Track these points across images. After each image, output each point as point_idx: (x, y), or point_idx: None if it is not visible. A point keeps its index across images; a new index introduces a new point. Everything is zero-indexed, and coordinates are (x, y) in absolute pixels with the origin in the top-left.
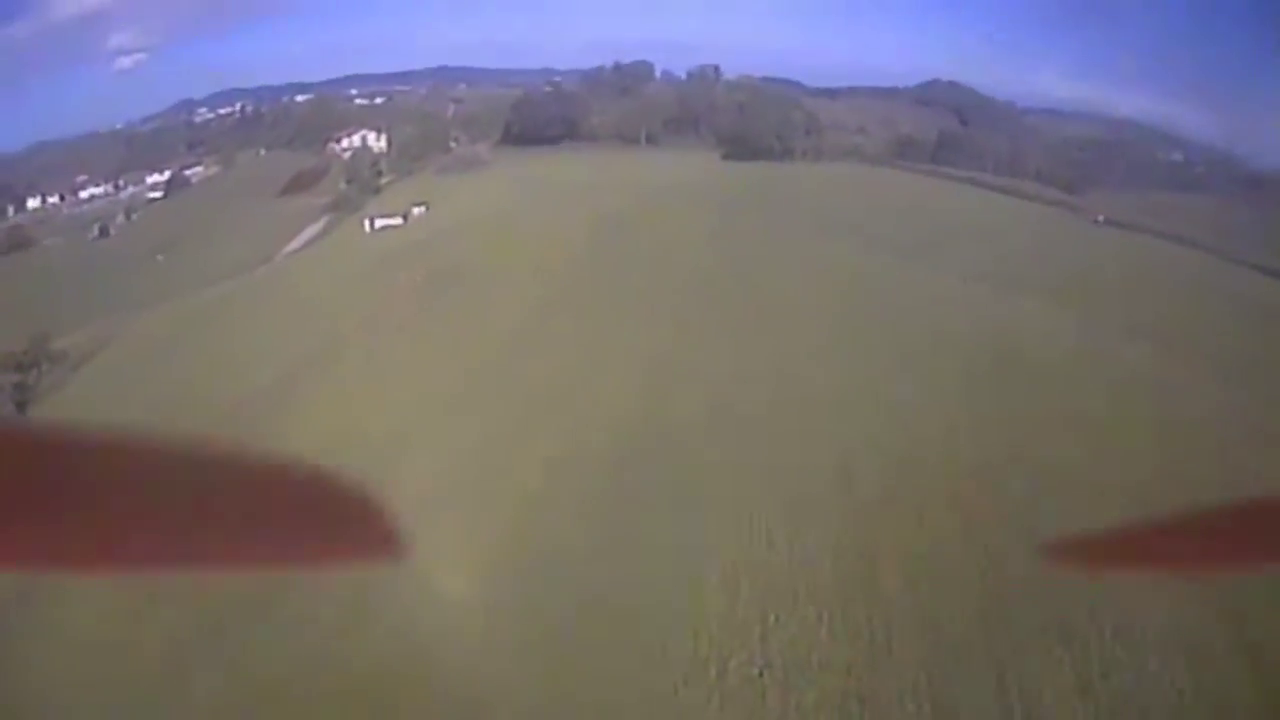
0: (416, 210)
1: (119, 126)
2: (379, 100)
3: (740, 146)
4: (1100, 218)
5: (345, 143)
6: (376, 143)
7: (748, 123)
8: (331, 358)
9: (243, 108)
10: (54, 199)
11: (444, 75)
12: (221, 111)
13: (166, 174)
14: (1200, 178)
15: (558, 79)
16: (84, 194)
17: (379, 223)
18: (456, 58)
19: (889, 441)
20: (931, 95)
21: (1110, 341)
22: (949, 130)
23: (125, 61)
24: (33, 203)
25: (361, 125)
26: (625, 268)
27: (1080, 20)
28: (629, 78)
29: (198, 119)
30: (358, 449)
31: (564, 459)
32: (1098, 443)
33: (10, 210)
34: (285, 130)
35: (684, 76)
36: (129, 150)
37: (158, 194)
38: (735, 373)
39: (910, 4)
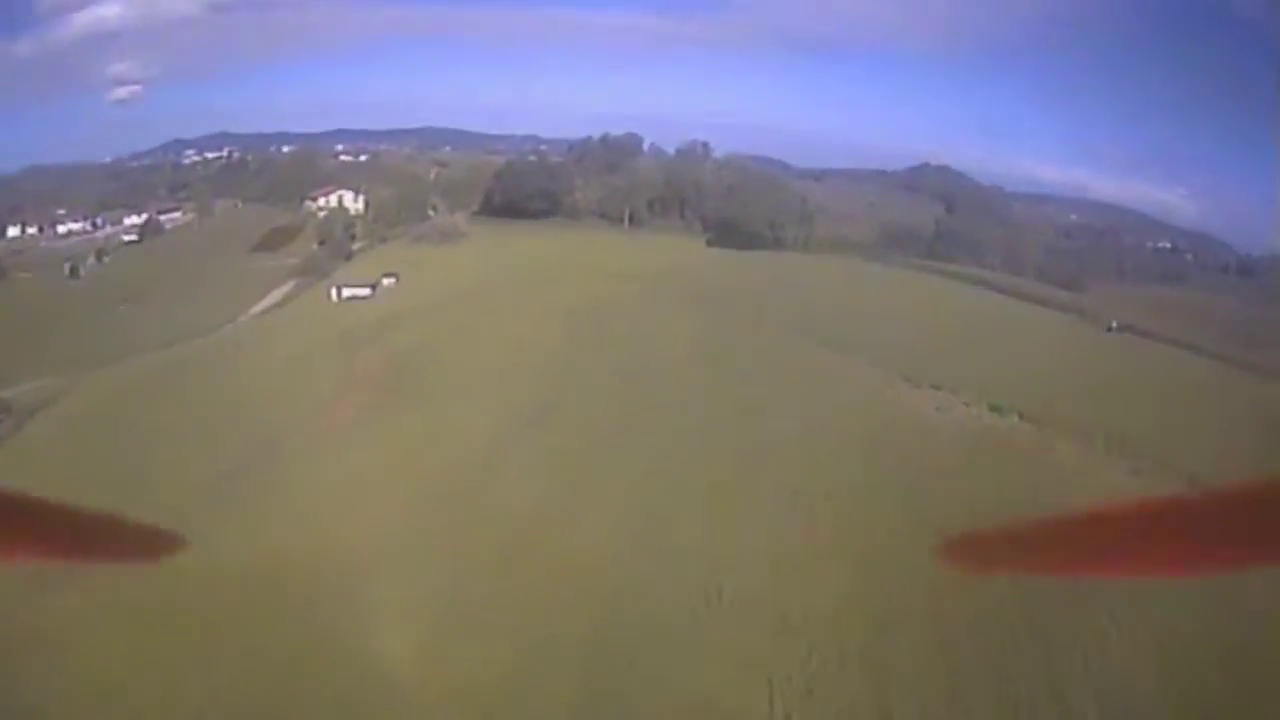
0: (386, 281)
1: (109, 160)
2: (363, 158)
3: (728, 232)
4: (1114, 324)
5: (322, 201)
6: (354, 204)
7: (736, 207)
8: (270, 457)
9: (230, 153)
10: (33, 229)
11: (429, 136)
12: (209, 155)
13: (144, 216)
14: (1190, 266)
15: (543, 147)
16: (62, 229)
17: (346, 292)
18: (442, 119)
19: None
20: (920, 179)
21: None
22: (944, 221)
23: (121, 92)
24: (13, 231)
25: (341, 184)
26: (600, 370)
27: (1065, 105)
28: (616, 151)
29: (186, 160)
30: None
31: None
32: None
33: None
34: (265, 182)
35: (672, 152)
36: (115, 186)
37: (132, 237)
38: (728, 522)
39: (898, 84)
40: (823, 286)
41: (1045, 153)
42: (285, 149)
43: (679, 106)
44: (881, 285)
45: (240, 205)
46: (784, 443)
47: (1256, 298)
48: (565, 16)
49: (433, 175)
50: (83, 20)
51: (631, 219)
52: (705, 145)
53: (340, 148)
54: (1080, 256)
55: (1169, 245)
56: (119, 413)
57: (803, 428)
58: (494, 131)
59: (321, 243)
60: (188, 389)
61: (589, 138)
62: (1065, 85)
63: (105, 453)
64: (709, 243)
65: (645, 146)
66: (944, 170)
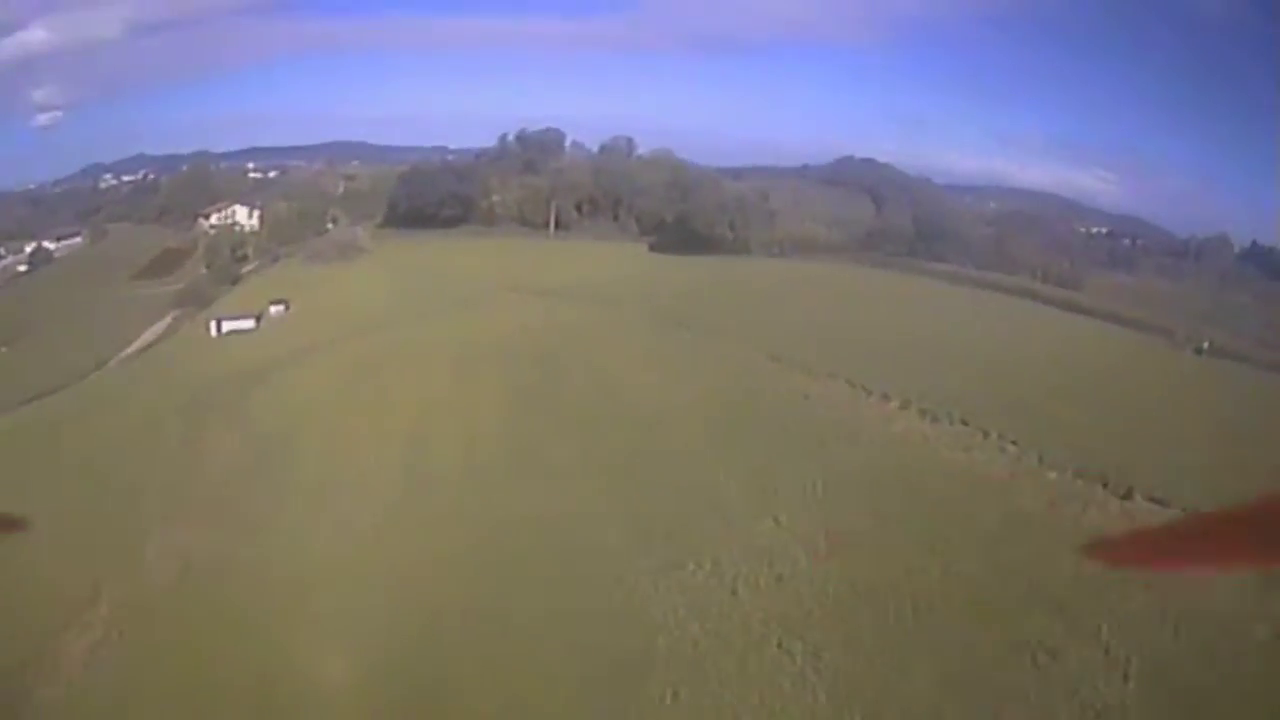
0: (274, 310)
1: (32, 186)
2: (273, 174)
3: (672, 236)
4: (1206, 344)
5: (215, 218)
6: (248, 219)
7: (680, 207)
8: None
9: (145, 175)
10: None
11: (338, 150)
12: (126, 178)
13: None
14: (1136, 251)
15: (451, 158)
16: None
17: (226, 325)
18: (351, 132)
19: None
20: (844, 173)
21: None
22: (924, 218)
23: (43, 119)
24: None
25: (235, 199)
26: (529, 427)
27: (978, 93)
28: (535, 149)
29: (102, 185)
30: None
31: None
32: None
33: None
34: (161, 201)
35: (595, 150)
36: (30, 212)
37: (24, 267)
38: None
39: (808, 79)
40: (811, 298)
41: (960, 143)
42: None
43: (588, 111)
44: (876, 296)
45: (135, 227)
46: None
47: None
48: (470, 24)
49: (340, 189)
50: (4, 47)
51: (557, 223)
52: (630, 141)
53: (251, 165)
54: (1014, 244)
55: (1105, 230)
56: None
57: (873, 523)
58: (402, 144)
59: (208, 266)
60: (32, 456)
61: (504, 135)
62: (977, 73)
63: None
64: (652, 248)
65: (567, 144)
66: (869, 163)
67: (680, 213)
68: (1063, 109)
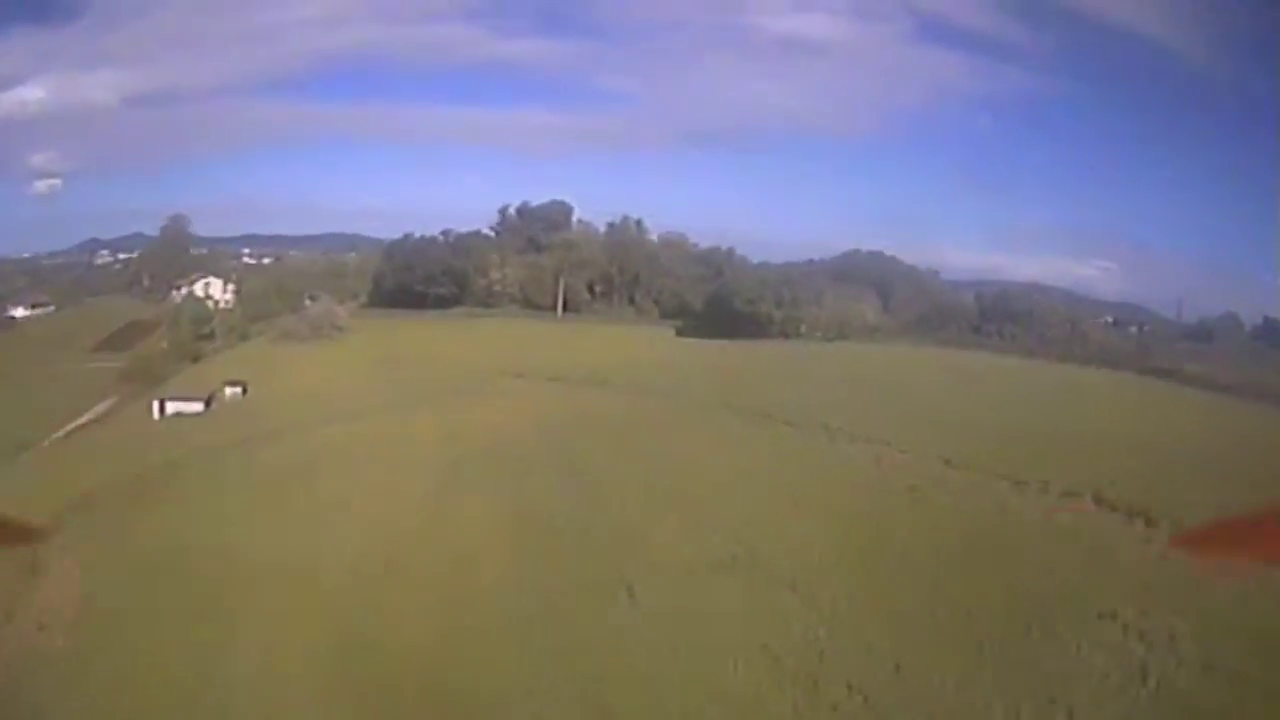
0: (230, 392)
1: (27, 255)
2: (266, 260)
3: (708, 317)
4: None
5: (186, 290)
6: (222, 293)
7: (719, 285)
8: None
9: (142, 254)
10: None
11: (337, 241)
12: (122, 255)
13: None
14: (1151, 337)
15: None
16: None
17: (171, 407)
18: (350, 224)
19: None
20: (852, 267)
21: None
22: (988, 297)
23: (41, 186)
24: None
25: (211, 271)
26: (549, 569)
27: (972, 188)
28: (539, 224)
29: (99, 261)
30: None
31: None
32: None
33: None
34: (131, 270)
35: (602, 230)
36: (24, 282)
37: None
38: None
39: (806, 175)
40: (911, 383)
41: (956, 236)
42: (190, 251)
43: (584, 206)
44: (976, 375)
45: (110, 299)
46: None
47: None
48: (468, 115)
49: (321, 265)
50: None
51: (566, 304)
52: (639, 223)
53: (247, 251)
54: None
55: (1110, 319)
56: None
57: None
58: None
59: (170, 342)
60: None
61: (504, 208)
62: (972, 165)
63: None
64: (680, 332)
65: (574, 221)
66: (877, 256)
67: (714, 292)
68: (1059, 200)
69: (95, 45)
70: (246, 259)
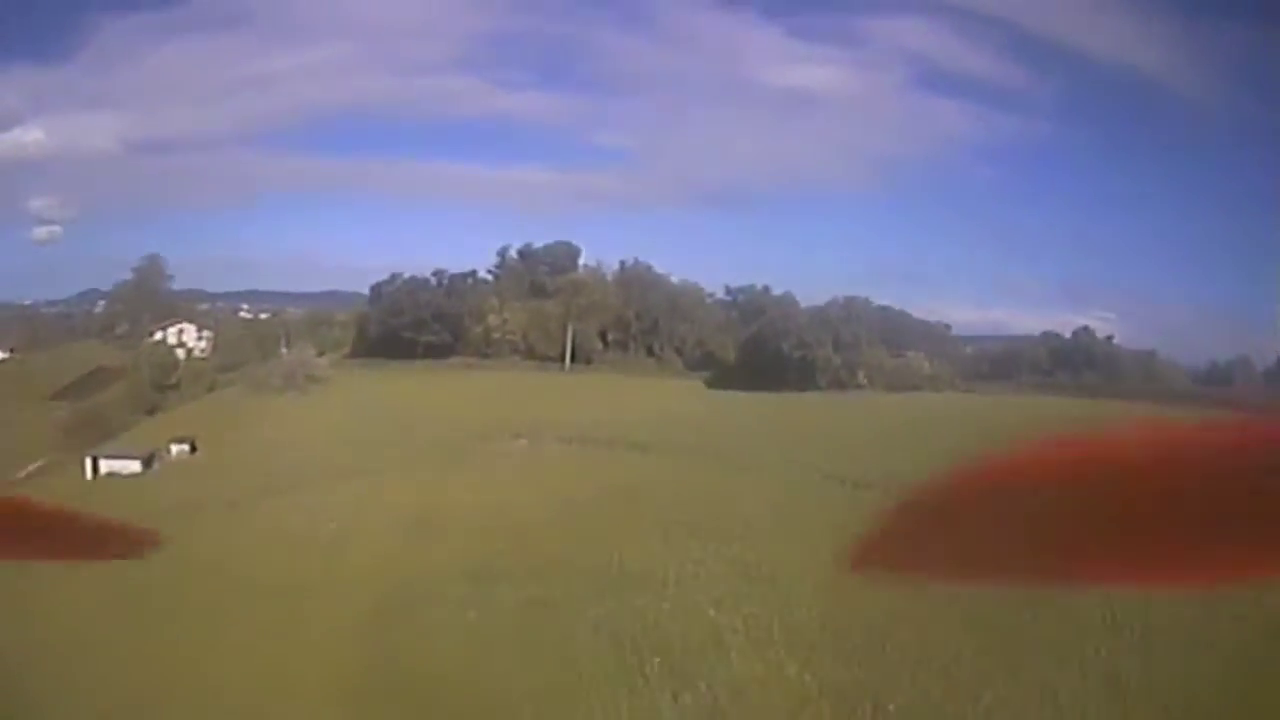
0: (175, 450)
1: (27, 303)
2: (264, 315)
3: (743, 367)
4: None
5: (159, 336)
6: (197, 341)
7: (756, 329)
8: None
9: (114, 297)
10: None
11: (337, 299)
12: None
13: None
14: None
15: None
16: None
17: (105, 466)
18: (348, 282)
19: None
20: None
21: None
22: (1062, 346)
23: (41, 233)
24: None
25: (186, 316)
26: None
27: (980, 240)
28: (544, 265)
29: (98, 311)
30: None
31: None
32: None
33: None
34: (103, 314)
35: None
36: (20, 329)
37: None
38: None
39: (808, 231)
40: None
41: (957, 291)
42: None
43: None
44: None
45: (81, 343)
46: None
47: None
48: (471, 172)
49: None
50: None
51: (574, 354)
52: (650, 268)
53: (245, 306)
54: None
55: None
56: None
57: None
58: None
59: (127, 392)
60: None
61: (504, 248)
62: (972, 220)
63: None
64: (711, 384)
65: (581, 262)
66: (884, 310)
67: (755, 335)
68: (1057, 250)
69: (94, 86)
70: (244, 313)
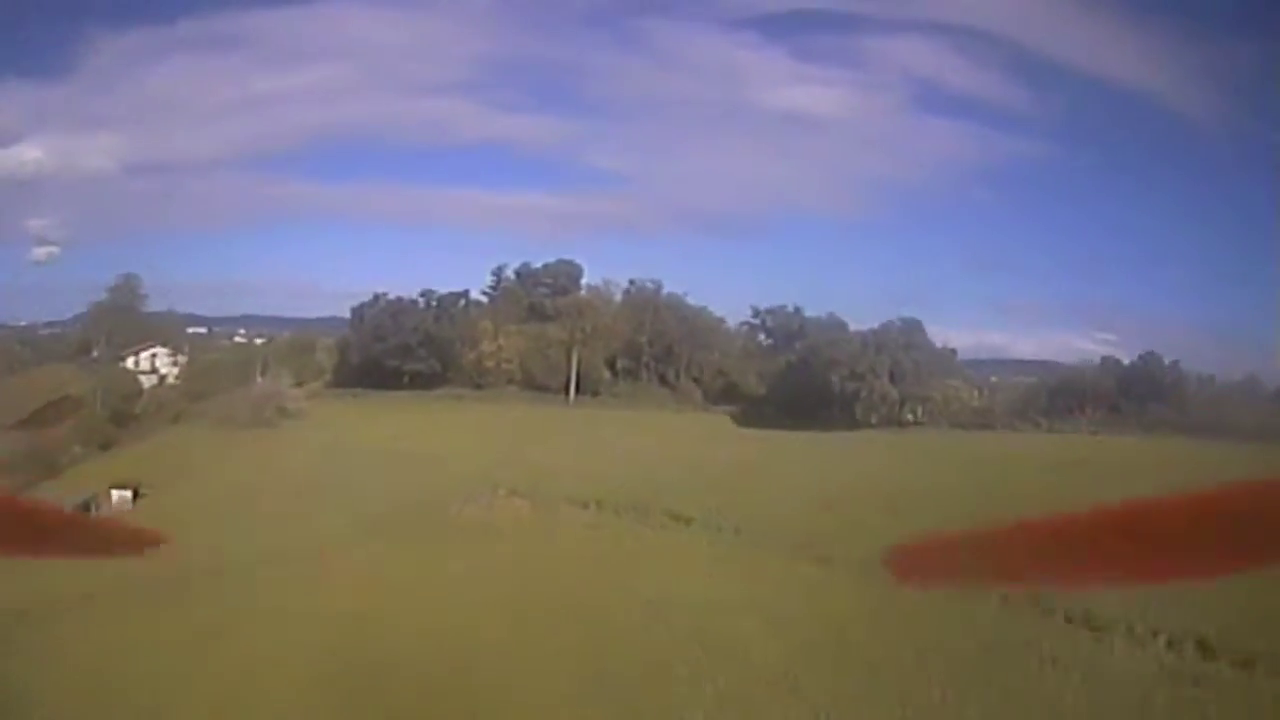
0: (116, 497)
1: (23, 324)
2: (259, 341)
3: (778, 400)
4: None
5: (131, 362)
6: (170, 366)
7: (800, 353)
8: None
9: (88, 319)
10: None
11: (335, 324)
12: None
13: None
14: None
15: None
16: None
17: None
18: (346, 308)
19: None
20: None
21: None
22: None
23: (40, 253)
24: None
25: (163, 340)
26: None
27: (976, 265)
28: (544, 286)
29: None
30: None
31: None
32: None
33: None
34: (76, 336)
35: (619, 293)
36: (21, 351)
37: None
38: None
39: (801, 257)
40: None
41: (954, 316)
42: (188, 330)
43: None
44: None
45: (53, 366)
46: None
47: None
48: (470, 196)
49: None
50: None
51: (579, 385)
52: (661, 286)
53: (242, 331)
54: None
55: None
56: None
57: None
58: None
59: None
60: None
61: (499, 268)
62: (968, 242)
63: None
64: (739, 420)
65: (583, 282)
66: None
67: (795, 363)
68: (1059, 273)
69: (93, 106)
70: (239, 338)
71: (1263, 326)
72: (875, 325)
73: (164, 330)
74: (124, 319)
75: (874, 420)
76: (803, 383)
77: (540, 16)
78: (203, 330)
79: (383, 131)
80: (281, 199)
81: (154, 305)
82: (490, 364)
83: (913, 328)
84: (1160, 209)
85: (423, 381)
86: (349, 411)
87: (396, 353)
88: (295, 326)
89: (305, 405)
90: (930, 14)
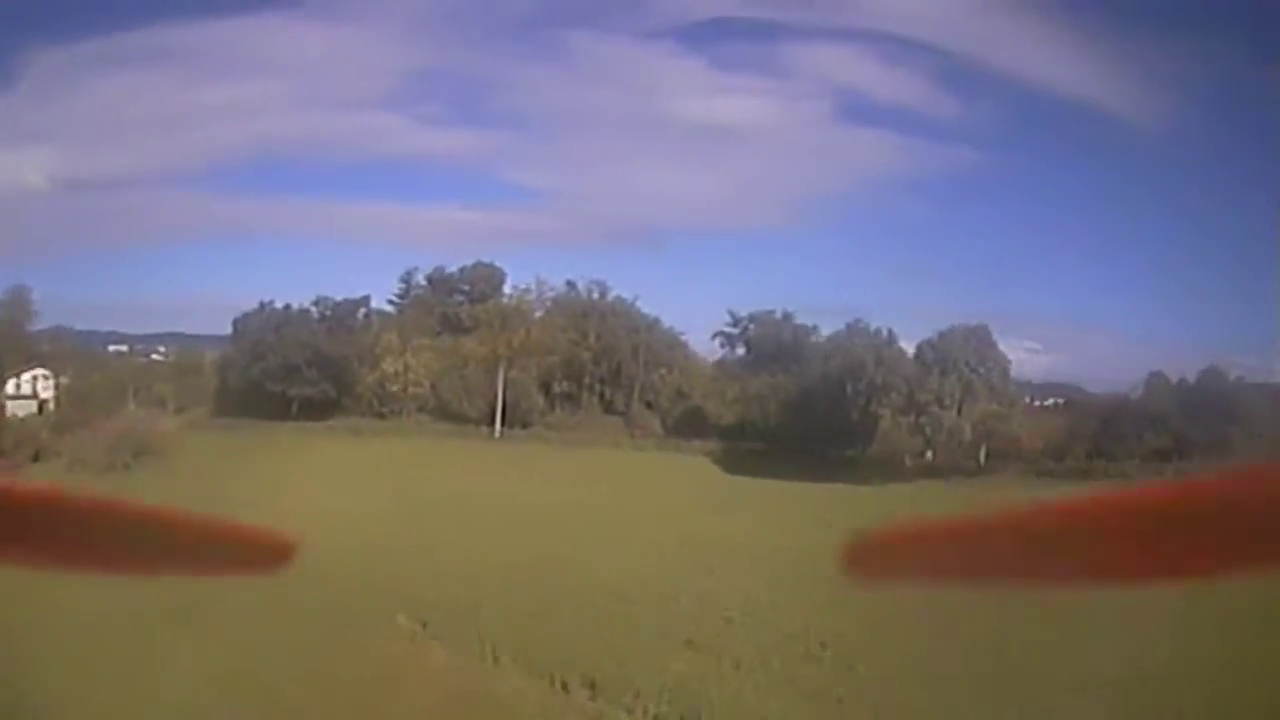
0: None
1: None
2: (155, 356)
3: (781, 439)
4: None
5: (12, 386)
6: (47, 391)
7: (828, 367)
8: None
9: None
10: None
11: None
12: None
13: None
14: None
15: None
16: None
17: None
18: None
19: None
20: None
21: None
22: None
23: None
24: None
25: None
26: None
27: (905, 277)
28: (462, 294)
29: None
30: None
31: None
32: None
33: None
34: None
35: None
36: None
37: None
38: None
39: (721, 266)
40: None
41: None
42: (110, 348)
43: None
44: None
45: None
46: None
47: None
48: (385, 210)
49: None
50: None
51: (505, 415)
52: (603, 288)
53: (162, 349)
54: None
55: (1062, 401)
56: None
57: None
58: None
59: None
60: None
61: (408, 273)
62: (898, 253)
63: None
64: (728, 465)
65: (508, 288)
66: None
67: (804, 392)
68: (983, 281)
69: (19, 121)
70: (156, 356)
71: (1198, 329)
72: (932, 335)
73: (47, 351)
74: (8, 337)
75: (930, 460)
76: (824, 413)
77: (462, 30)
78: (124, 348)
79: (308, 146)
80: (208, 215)
81: (75, 322)
82: (395, 388)
83: (983, 337)
84: (1091, 216)
85: (313, 409)
86: (219, 450)
87: (279, 374)
88: (218, 344)
89: (174, 442)
90: (855, 22)
